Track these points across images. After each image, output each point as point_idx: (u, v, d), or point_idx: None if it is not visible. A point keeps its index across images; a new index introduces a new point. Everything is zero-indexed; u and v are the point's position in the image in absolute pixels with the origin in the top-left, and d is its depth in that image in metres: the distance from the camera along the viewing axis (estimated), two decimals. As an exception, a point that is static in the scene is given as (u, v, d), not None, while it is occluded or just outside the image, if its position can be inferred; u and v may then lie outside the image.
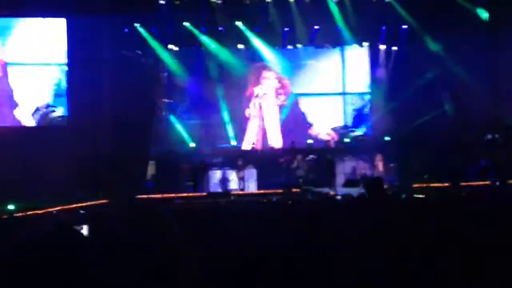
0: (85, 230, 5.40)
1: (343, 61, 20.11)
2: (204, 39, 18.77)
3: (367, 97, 20.13)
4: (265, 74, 19.87)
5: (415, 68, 18.37)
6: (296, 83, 20.09)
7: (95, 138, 17.08)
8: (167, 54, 19.13)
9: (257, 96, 19.73)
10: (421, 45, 18.15)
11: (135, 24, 18.26)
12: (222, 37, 18.85)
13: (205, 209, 7.67)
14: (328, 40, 19.36)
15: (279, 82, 19.94)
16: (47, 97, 17.92)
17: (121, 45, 18.18)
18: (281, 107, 19.92)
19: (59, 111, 17.95)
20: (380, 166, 16.25)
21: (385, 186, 15.24)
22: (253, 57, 19.66)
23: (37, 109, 17.70)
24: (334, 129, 20.06)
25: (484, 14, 17.73)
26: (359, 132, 20.02)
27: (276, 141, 19.73)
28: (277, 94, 19.91)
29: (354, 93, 20.21)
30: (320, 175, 17.80)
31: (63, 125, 17.75)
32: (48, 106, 17.82)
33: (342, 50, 19.95)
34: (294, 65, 20.01)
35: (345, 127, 20.14)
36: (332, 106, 20.24)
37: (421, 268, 2.98)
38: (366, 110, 20.08)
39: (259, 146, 19.62)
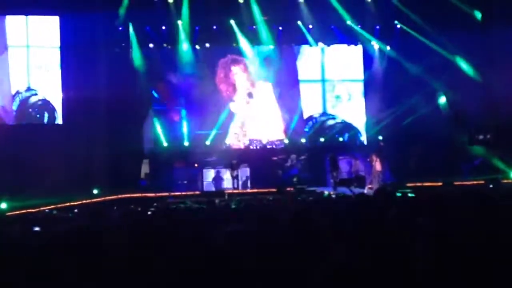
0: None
1: (322, 51, 19.85)
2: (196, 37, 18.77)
3: (356, 85, 19.93)
4: (234, 69, 19.57)
5: (409, 67, 18.38)
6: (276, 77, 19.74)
7: (89, 137, 16.98)
8: (159, 52, 19.04)
9: (236, 91, 19.57)
10: (415, 44, 18.18)
11: (129, 23, 18.26)
12: (215, 36, 18.83)
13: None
14: (321, 39, 19.36)
15: (249, 74, 19.63)
16: (29, 81, 17.25)
17: (115, 43, 18.14)
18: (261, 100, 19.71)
19: (40, 95, 17.45)
20: (376, 165, 16.19)
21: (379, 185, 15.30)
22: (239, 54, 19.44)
23: (18, 92, 17.19)
24: (312, 117, 19.91)
25: (478, 15, 17.80)
26: (338, 119, 19.87)
27: (260, 134, 19.61)
28: (249, 85, 19.68)
29: (336, 80, 19.88)
30: (314, 174, 17.77)
31: (57, 124, 17.55)
32: (28, 89, 17.41)
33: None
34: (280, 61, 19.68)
35: (324, 114, 20.03)
36: (310, 93, 19.86)
37: (414, 266, 2.97)
38: (348, 97, 19.92)
39: (239, 142, 19.51)
